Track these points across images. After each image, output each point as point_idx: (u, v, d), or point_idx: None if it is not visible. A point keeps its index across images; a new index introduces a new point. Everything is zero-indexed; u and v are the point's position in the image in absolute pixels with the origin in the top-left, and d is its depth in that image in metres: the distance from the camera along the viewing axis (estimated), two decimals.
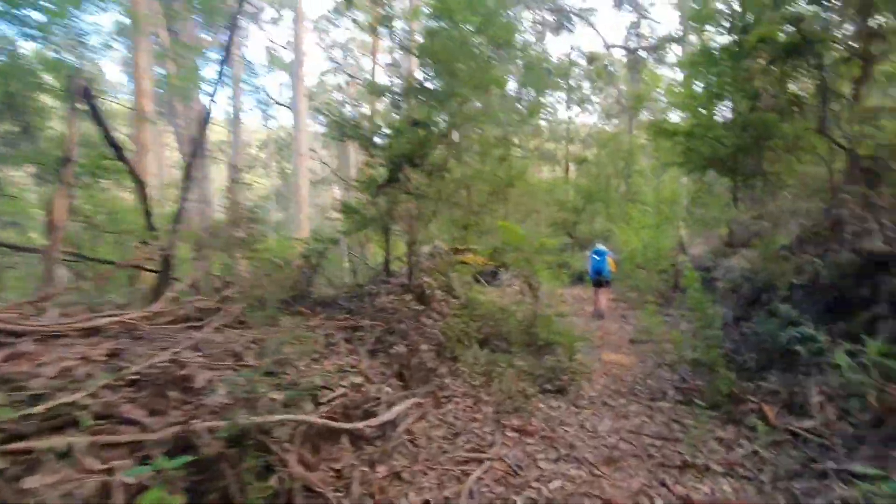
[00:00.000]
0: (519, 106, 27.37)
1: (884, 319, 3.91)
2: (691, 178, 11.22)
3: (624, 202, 15.60)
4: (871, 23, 4.87)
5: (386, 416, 3.62)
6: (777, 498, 2.94)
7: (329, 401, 3.39)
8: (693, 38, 12.38)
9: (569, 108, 28.27)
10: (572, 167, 27.78)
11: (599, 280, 9.58)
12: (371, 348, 4.45)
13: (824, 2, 4.76)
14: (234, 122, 13.20)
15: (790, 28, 4.49)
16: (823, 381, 3.98)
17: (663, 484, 3.36)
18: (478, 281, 11.31)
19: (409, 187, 6.01)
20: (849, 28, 4.98)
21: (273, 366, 3.39)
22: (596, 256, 9.82)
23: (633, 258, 12.11)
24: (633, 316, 9.64)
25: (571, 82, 29.09)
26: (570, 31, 24.61)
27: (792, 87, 4.88)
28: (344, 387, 3.58)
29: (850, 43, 4.96)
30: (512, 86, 26.85)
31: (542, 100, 29.39)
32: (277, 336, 3.60)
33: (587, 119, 34.09)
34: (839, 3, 4.83)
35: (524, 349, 6.89)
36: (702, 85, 5.54)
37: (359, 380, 3.81)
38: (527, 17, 27.63)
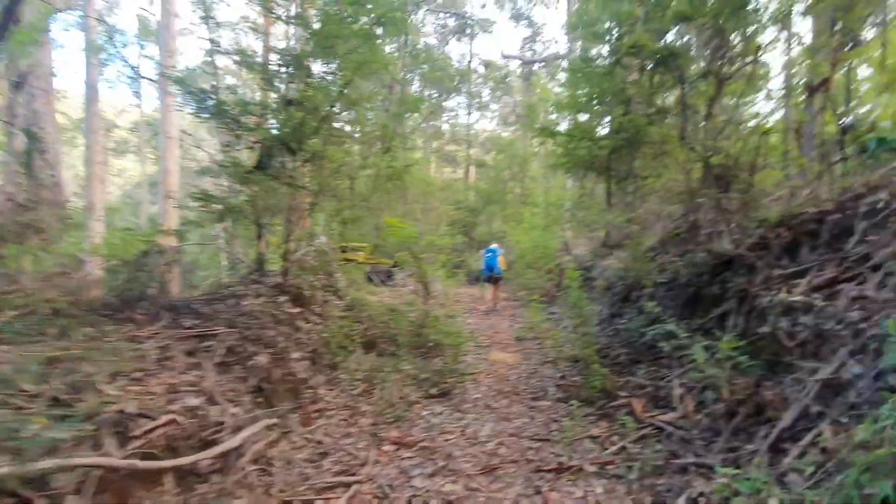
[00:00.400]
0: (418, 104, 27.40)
1: (733, 314, 4.20)
2: (574, 181, 11.89)
3: (519, 205, 16.12)
4: (723, 44, 5.31)
5: (229, 443, 2.96)
6: (643, 497, 2.89)
7: (147, 432, 2.65)
8: (577, 50, 13.17)
9: (469, 113, 28.83)
10: (472, 170, 28.45)
11: (492, 277, 9.98)
12: (221, 361, 3.71)
13: (686, 21, 5.07)
14: (91, 96, 11.05)
15: (659, 41, 4.73)
16: (684, 374, 4.16)
17: (538, 491, 3.19)
18: (371, 281, 10.78)
19: (285, 176, 5.29)
20: (705, 48, 5.43)
21: (64, 391, 2.56)
22: (489, 255, 10.21)
23: (524, 258, 12.49)
24: (522, 314, 9.84)
25: (473, 89, 29.78)
26: (470, 37, 25.04)
27: (659, 97, 5.20)
28: (173, 412, 2.85)
29: (705, 62, 5.39)
30: (415, 85, 26.72)
31: (443, 102, 29.70)
32: (75, 351, 2.76)
33: (487, 125, 35.24)
34: (699, 24, 5.19)
35: (413, 352, 6.55)
36: (581, 91, 5.69)
37: (197, 401, 3.09)
38: (430, 20, 27.67)
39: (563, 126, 7.16)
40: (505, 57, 19.94)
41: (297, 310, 5.60)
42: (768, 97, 5.82)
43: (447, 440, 4.08)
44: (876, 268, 3.12)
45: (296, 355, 4.70)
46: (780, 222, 4.46)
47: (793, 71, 5.87)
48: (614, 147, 5.55)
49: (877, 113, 5.80)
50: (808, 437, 2.54)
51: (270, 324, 4.89)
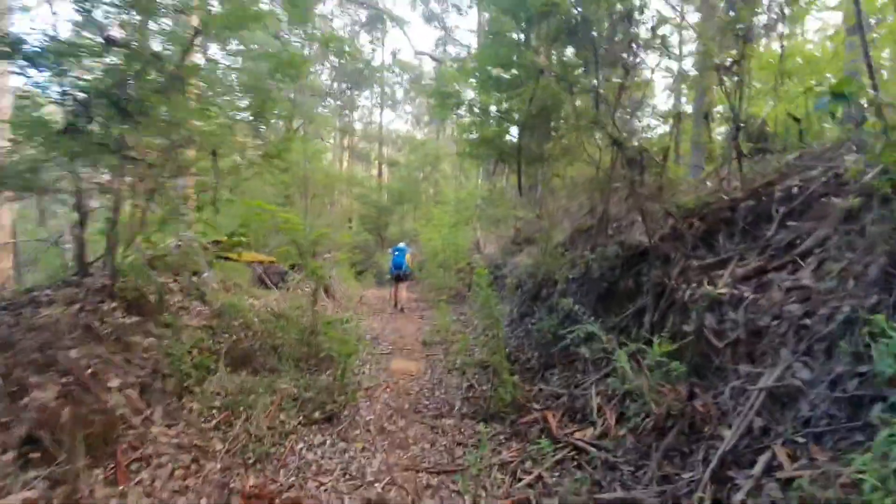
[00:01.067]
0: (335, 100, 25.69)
1: (649, 310, 3.75)
2: (484, 178, 11.47)
3: (431, 204, 15.45)
4: (632, 33, 4.97)
5: None
6: None
7: None
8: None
9: (382, 109, 27.74)
10: (385, 169, 27.36)
11: (399, 274, 9.76)
12: None
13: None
14: None
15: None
16: (601, 381, 3.61)
17: None
18: (262, 283, 9.32)
19: (114, 144, 3.93)
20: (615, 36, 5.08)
21: None
22: (396, 253, 10.03)
23: (435, 257, 11.78)
24: (430, 317, 9.07)
25: (385, 86, 28.73)
26: (382, 32, 24.01)
27: (572, 74, 4.77)
28: None
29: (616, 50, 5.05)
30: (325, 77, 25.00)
31: (355, 95, 28.26)
32: None
33: (401, 126, 34.39)
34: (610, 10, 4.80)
35: (299, 366, 5.44)
36: (492, 66, 5.09)
37: None
38: (340, 13, 26.12)
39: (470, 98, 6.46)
40: (418, 54, 19.22)
41: (134, 320, 4.22)
42: (680, 81, 5.69)
43: (322, 484, 3.10)
44: (805, 255, 2.75)
45: (115, 383, 3.38)
46: (693, 211, 4.13)
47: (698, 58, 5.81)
48: (526, 120, 4.98)
49: (766, 111, 5.90)
50: (760, 464, 1.98)
51: (81, 341, 3.51)
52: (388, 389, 4.92)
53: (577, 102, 4.80)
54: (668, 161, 4.20)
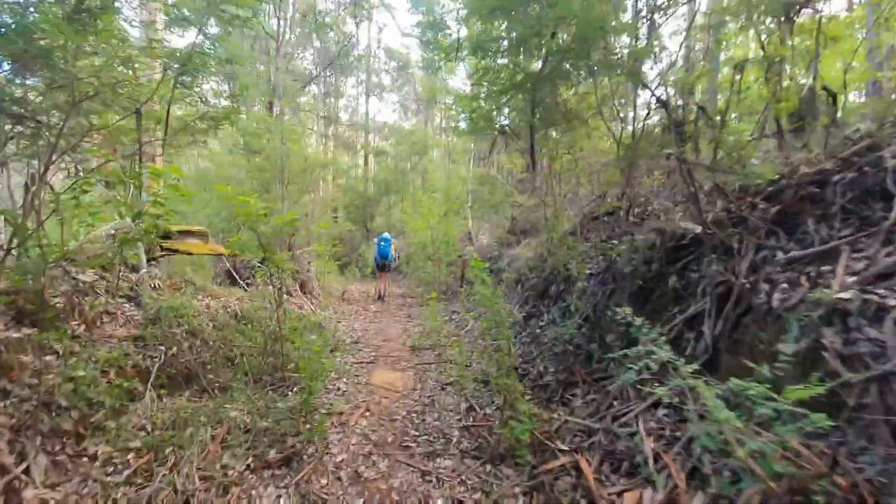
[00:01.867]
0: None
1: (707, 319, 2.79)
2: (475, 159, 10.43)
3: (419, 193, 14.36)
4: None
5: None
6: None
7: None
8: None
9: (368, 97, 26.41)
10: (372, 159, 26.12)
11: (384, 264, 9.52)
12: None
13: None
14: None
15: None
16: (650, 413, 2.64)
17: None
18: (232, 279, 8.20)
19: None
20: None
21: None
22: (382, 243, 9.64)
23: (423, 249, 10.74)
24: (418, 314, 8.06)
25: (372, 72, 27.36)
26: (368, 13, 22.64)
27: None
28: None
29: None
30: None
31: (340, 81, 26.85)
32: None
33: (387, 116, 33.07)
34: None
35: (260, 381, 4.42)
36: (497, 23, 4.08)
37: None
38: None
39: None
40: (405, 35, 17.93)
41: (24, 333, 3.12)
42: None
43: None
44: None
45: None
46: (757, 189, 3.17)
47: None
48: (538, 79, 3.98)
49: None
50: None
51: None
52: (367, 413, 3.89)
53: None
54: (727, 124, 3.22)
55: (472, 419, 3.64)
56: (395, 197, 22.91)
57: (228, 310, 5.50)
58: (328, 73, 25.72)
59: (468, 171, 11.70)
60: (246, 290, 7.29)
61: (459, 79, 27.40)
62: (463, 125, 6.15)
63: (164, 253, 5.31)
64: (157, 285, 4.86)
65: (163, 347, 3.96)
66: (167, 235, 5.40)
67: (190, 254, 5.64)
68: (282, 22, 18.04)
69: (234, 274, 8.17)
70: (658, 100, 3.16)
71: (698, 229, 3.30)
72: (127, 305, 4.27)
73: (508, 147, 6.95)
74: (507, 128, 5.11)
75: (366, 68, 25.72)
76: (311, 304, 8.04)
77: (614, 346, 3.56)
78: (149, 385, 3.53)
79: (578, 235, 5.58)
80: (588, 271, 4.50)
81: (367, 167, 25.72)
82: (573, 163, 5.82)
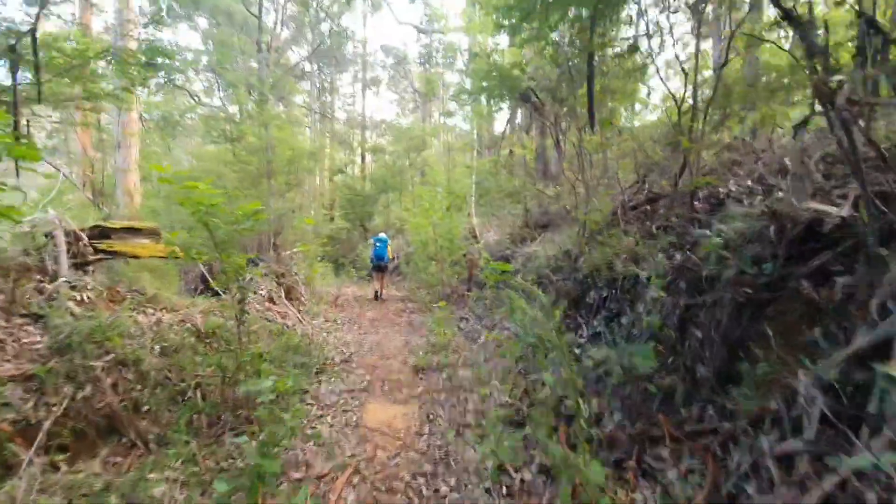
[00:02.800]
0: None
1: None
2: (479, 148, 9.23)
3: (419, 187, 13.20)
4: None
5: None
6: None
7: None
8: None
9: (364, 89, 25.24)
10: (369, 157, 24.96)
11: (381, 265, 9.17)
12: None
13: None
14: None
15: None
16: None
17: None
18: (208, 287, 7.03)
19: None
20: None
21: None
22: (378, 244, 9.19)
23: (424, 248, 9.59)
24: (420, 322, 6.90)
25: (368, 67, 26.18)
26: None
27: None
28: None
29: None
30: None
31: (335, 75, 25.66)
32: None
33: (385, 114, 31.93)
34: None
35: (216, 428, 3.29)
36: None
37: None
38: None
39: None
40: (401, 23, 16.72)
41: None
42: None
43: None
44: None
45: None
46: None
47: None
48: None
49: None
50: None
51: None
52: (355, 478, 2.73)
53: None
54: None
55: (504, 489, 2.49)
56: (394, 195, 21.78)
57: (188, 326, 4.34)
58: (322, 69, 24.54)
59: (472, 162, 10.55)
60: (221, 300, 6.13)
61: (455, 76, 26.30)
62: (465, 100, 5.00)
63: (99, 256, 4.13)
64: (85, 298, 3.69)
65: (73, 387, 2.80)
66: (104, 234, 4.23)
67: (136, 257, 4.47)
68: (273, 12, 16.86)
69: (210, 280, 7.00)
70: (785, 14, 2.02)
71: (845, 211, 2.15)
72: (31, 328, 3.10)
73: (531, 120, 5.84)
74: (532, 91, 4.02)
75: (361, 61, 24.56)
76: (298, 312, 6.88)
77: (707, 383, 2.43)
78: (32, 448, 2.38)
79: (619, 227, 4.43)
80: (645, 273, 3.35)
81: (364, 165, 24.56)
82: (613, 138, 4.67)
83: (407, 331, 6.53)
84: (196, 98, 12.55)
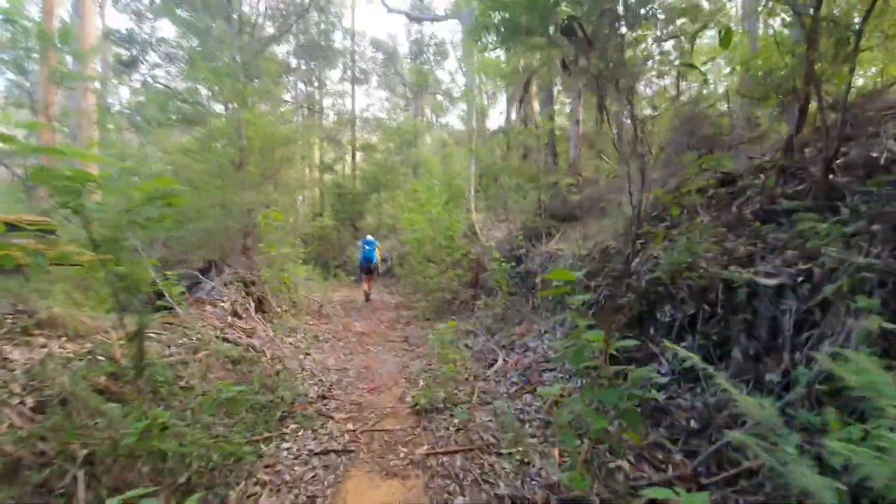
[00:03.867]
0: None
1: None
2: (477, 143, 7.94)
3: (413, 182, 11.90)
4: None
5: None
6: None
7: None
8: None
9: (353, 84, 23.90)
10: (360, 155, 23.63)
11: (369, 267, 9.19)
12: None
13: None
14: None
15: None
16: None
17: None
18: (158, 299, 5.70)
19: None
20: None
21: None
22: (366, 246, 9.17)
23: (420, 248, 8.33)
24: (419, 336, 5.64)
25: (357, 60, 24.80)
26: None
27: None
28: None
29: None
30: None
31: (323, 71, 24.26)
32: None
33: (376, 111, 30.58)
34: None
35: None
36: None
37: None
38: None
39: None
40: (390, 11, 15.50)
41: None
42: None
43: None
44: None
45: None
46: None
47: None
48: None
49: None
50: None
51: None
52: None
53: None
54: None
55: None
56: (386, 193, 20.52)
57: (97, 361, 3.04)
58: (309, 62, 23.13)
59: (472, 145, 9.28)
60: (174, 317, 4.82)
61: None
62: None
63: None
64: None
65: None
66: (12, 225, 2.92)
67: (21, 266, 3.14)
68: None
69: (165, 292, 5.65)
70: None
71: None
72: None
73: (560, 79, 4.61)
74: (576, 22, 2.83)
75: (350, 53, 23.21)
76: (272, 327, 5.58)
77: None
78: None
79: (686, 216, 3.21)
80: (773, 281, 2.13)
81: (354, 162, 23.25)
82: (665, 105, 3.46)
83: (403, 348, 5.26)
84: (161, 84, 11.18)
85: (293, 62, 22.44)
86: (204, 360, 3.78)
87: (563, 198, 5.86)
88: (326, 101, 27.11)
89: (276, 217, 4.24)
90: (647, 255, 3.28)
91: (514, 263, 5.69)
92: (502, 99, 14.97)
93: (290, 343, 5.40)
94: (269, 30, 19.39)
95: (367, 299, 9.05)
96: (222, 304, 5.21)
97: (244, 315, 5.32)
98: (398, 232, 15.87)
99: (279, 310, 6.22)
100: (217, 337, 4.36)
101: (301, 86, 24.44)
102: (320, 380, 4.30)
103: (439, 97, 28.74)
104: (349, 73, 23.71)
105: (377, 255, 8.98)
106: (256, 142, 6.97)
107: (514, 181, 6.98)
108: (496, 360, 4.13)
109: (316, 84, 25.03)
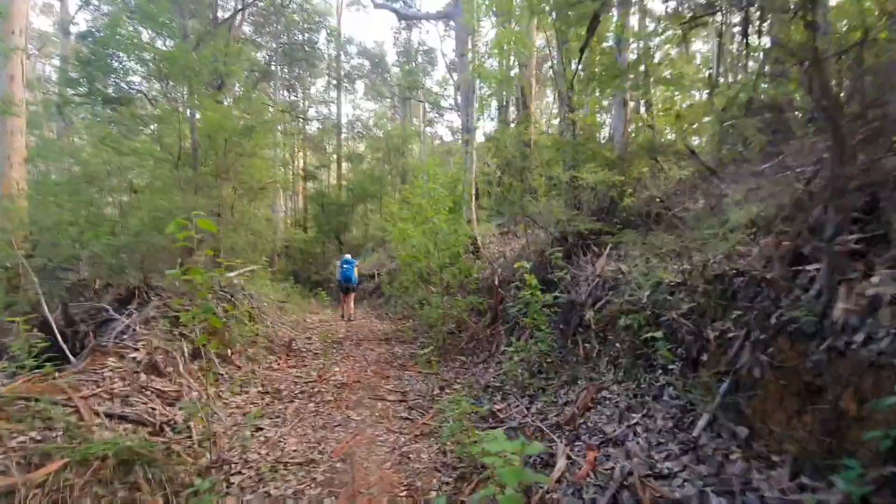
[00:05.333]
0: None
1: None
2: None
3: (406, 190, 10.34)
4: None
5: None
6: None
7: None
8: None
9: (339, 89, 22.40)
10: (346, 165, 22.02)
11: (348, 287, 8.82)
12: None
13: None
14: None
15: None
16: None
17: None
18: (53, 345, 3.96)
19: None
20: None
21: None
22: (345, 265, 8.73)
23: (414, 264, 6.71)
24: (420, 392, 3.99)
25: (345, 63, 23.33)
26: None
27: None
28: None
29: None
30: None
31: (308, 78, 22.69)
32: None
33: (363, 121, 29.11)
34: None
35: None
36: None
37: None
38: None
39: None
40: (377, 6, 14.08)
41: None
42: None
43: None
44: None
45: None
46: None
47: None
48: None
49: None
50: None
51: None
52: None
53: None
54: None
55: None
56: (373, 204, 18.93)
57: None
58: (293, 69, 21.54)
59: (470, 148, 7.81)
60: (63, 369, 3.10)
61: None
62: None
63: None
64: None
65: None
66: None
67: None
68: None
69: (59, 337, 3.87)
70: None
71: None
72: None
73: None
74: None
75: (336, 57, 21.76)
76: (208, 384, 3.86)
77: None
78: None
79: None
80: None
81: (340, 171, 21.60)
82: None
83: (400, 416, 3.60)
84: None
85: (275, 69, 20.87)
86: (52, 481, 2.08)
87: (610, 200, 4.37)
88: (311, 111, 25.55)
89: (205, 226, 2.70)
90: (850, 290, 1.75)
91: (541, 287, 4.11)
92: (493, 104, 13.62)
93: (237, 407, 3.70)
94: (246, 28, 17.81)
95: (349, 319, 8.68)
96: (134, 355, 3.49)
97: (168, 369, 3.60)
98: (387, 246, 14.26)
99: (229, 352, 4.51)
100: (100, 422, 2.65)
101: (284, 93, 22.83)
102: (271, 482, 2.64)
103: (427, 107, 27.55)
104: (335, 77, 22.18)
105: (356, 274, 8.85)
106: (206, 132, 5.31)
107: (542, 177, 5.40)
108: (553, 455, 2.53)
109: (300, 91, 23.44)
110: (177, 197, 4.57)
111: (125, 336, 3.72)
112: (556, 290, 4.13)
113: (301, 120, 21.07)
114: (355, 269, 8.74)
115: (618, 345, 3.15)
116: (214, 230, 2.72)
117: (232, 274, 6.65)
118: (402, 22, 22.31)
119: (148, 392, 3.25)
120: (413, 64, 23.80)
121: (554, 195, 5.02)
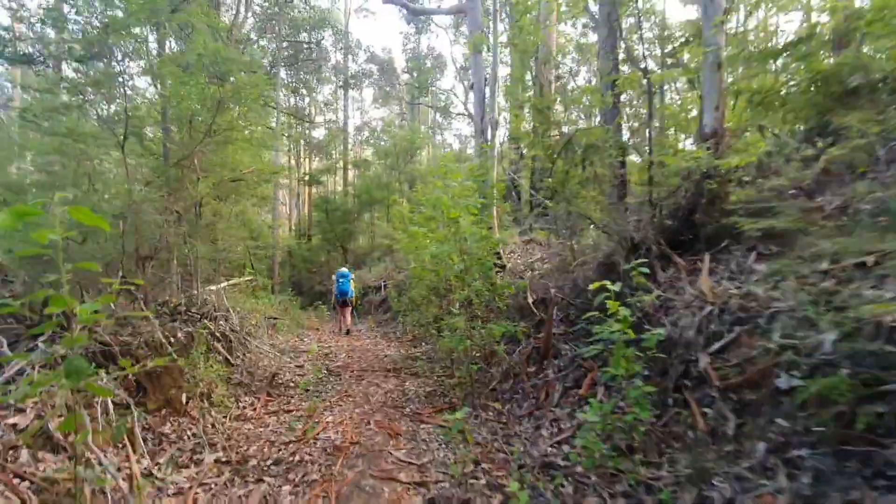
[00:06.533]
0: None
1: None
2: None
3: (419, 189, 9.14)
4: None
5: None
6: None
7: None
8: None
9: (346, 91, 21.47)
10: (352, 172, 20.96)
11: (345, 300, 8.68)
12: None
13: None
14: None
15: None
16: None
17: None
18: None
19: None
20: None
21: None
22: (341, 279, 8.57)
23: (424, 277, 5.51)
24: (446, 459, 2.74)
25: (352, 64, 22.39)
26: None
27: None
28: None
29: None
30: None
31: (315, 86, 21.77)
32: None
33: (371, 127, 28.20)
34: None
35: None
36: None
37: None
38: None
39: None
40: (386, 2, 13.08)
41: None
42: None
43: None
44: None
45: None
46: None
47: None
48: None
49: None
50: None
51: None
52: None
53: None
54: None
55: None
56: (380, 211, 17.80)
57: None
58: (299, 73, 20.63)
59: (489, 146, 6.65)
60: None
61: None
62: None
63: None
64: None
65: None
66: None
67: None
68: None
69: None
70: None
71: None
72: None
73: None
74: None
75: (343, 59, 20.86)
76: (138, 458, 2.62)
77: None
78: None
79: None
80: None
81: (346, 177, 20.57)
82: None
83: (404, 473, 2.34)
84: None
85: (282, 74, 19.96)
86: None
87: (707, 196, 3.11)
88: (318, 118, 24.61)
89: (98, 224, 1.61)
90: None
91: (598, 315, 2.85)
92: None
93: (177, 493, 2.45)
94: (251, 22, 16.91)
95: (347, 332, 8.53)
96: (15, 419, 2.27)
97: (70, 438, 2.38)
98: (394, 256, 13.07)
99: (184, 399, 3.27)
100: None
101: (291, 99, 21.91)
102: None
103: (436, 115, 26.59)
104: (341, 80, 21.23)
105: (352, 287, 8.86)
106: (176, 110, 4.15)
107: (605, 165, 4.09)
108: None
109: (306, 97, 22.52)
110: (122, 190, 3.41)
111: (11, 387, 2.50)
112: (632, 319, 2.87)
113: (307, 123, 20.10)
114: (351, 283, 8.87)
115: (780, 421, 1.89)
116: (104, 226, 1.51)
117: (212, 288, 5.47)
118: (412, 24, 21.40)
119: (25, 485, 2.02)
120: (422, 68, 22.87)
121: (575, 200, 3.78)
